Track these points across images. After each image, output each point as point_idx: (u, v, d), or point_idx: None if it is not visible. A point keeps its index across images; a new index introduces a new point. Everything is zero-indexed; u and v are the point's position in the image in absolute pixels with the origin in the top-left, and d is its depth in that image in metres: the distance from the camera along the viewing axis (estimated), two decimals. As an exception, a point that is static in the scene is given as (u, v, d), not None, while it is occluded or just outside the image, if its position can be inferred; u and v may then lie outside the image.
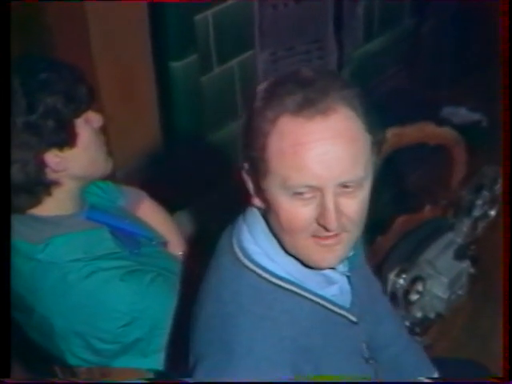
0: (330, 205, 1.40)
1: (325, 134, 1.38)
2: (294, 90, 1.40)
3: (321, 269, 1.54)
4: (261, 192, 1.48)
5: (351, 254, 1.63)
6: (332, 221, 1.40)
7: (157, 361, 1.96)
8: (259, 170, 1.45)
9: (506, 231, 1.84)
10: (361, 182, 1.43)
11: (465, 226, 2.49)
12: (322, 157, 1.38)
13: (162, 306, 1.90)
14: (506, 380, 1.73)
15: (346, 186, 1.41)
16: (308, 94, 1.38)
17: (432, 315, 2.42)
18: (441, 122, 2.93)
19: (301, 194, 1.41)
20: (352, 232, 1.48)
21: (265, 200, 1.48)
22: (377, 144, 1.48)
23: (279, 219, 1.46)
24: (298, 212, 1.43)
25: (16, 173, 1.81)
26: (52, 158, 1.84)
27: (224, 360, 1.47)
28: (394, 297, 2.32)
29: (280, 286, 1.54)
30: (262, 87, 1.46)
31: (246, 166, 1.50)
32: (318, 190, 1.40)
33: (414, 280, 2.35)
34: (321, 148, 1.38)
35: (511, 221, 1.82)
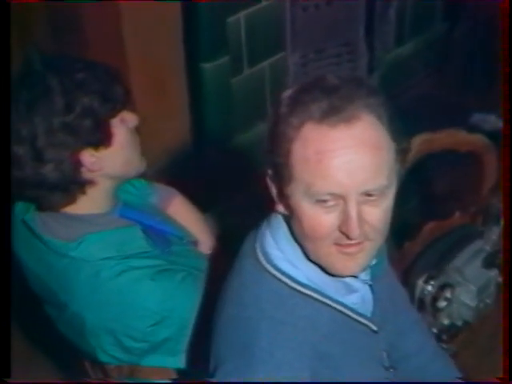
0: (353, 213, 1.40)
1: (349, 142, 1.38)
2: (319, 97, 1.40)
3: (343, 277, 1.55)
4: (284, 198, 1.48)
5: (374, 262, 1.63)
6: (354, 229, 1.40)
7: (184, 360, 1.97)
8: (283, 176, 1.45)
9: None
10: (384, 190, 1.43)
11: (494, 234, 2.48)
12: (345, 165, 1.38)
13: (191, 306, 1.90)
14: (506, 380, 1.76)
15: (369, 195, 1.41)
16: (333, 102, 1.39)
17: (459, 323, 2.41)
18: (470, 128, 2.91)
19: (324, 201, 1.41)
20: (375, 240, 1.48)
21: (288, 206, 1.49)
22: (401, 152, 1.48)
23: (302, 226, 1.47)
24: (320, 219, 1.43)
25: (51, 171, 1.83)
26: (88, 157, 1.86)
27: (244, 364, 1.48)
28: (421, 303, 2.31)
29: (301, 292, 1.54)
30: (287, 94, 1.46)
31: (269, 171, 1.51)
32: (340, 197, 1.40)
33: (443, 287, 2.34)
34: (344, 156, 1.38)
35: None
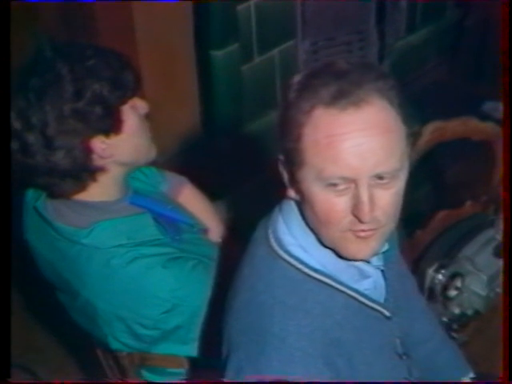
0: (365, 196, 1.40)
1: (358, 125, 1.38)
2: (329, 81, 1.40)
3: (355, 260, 1.54)
4: (296, 183, 1.48)
5: (386, 248, 1.63)
6: (366, 212, 1.40)
7: (195, 348, 1.97)
8: (294, 161, 1.45)
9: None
10: (396, 173, 1.42)
11: (505, 223, 2.49)
12: (356, 148, 1.38)
13: (202, 294, 1.91)
14: (506, 380, 1.72)
15: (380, 178, 1.41)
16: (342, 86, 1.38)
17: (470, 312, 2.41)
18: (482, 116, 2.91)
19: (335, 185, 1.41)
20: (386, 225, 1.48)
21: (299, 191, 1.48)
22: (412, 136, 1.49)
23: (314, 211, 1.46)
24: (332, 203, 1.43)
25: (62, 158, 1.83)
26: (98, 144, 1.86)
27: (257, 350, 1.48)
28: (431, 292, 2.32)
29: (314, 278, 1.54)
30: (296, 79, 1.46)
31: (281, 157, 1.51)
32: (352, 181, 1.40)
33: (453, 276, 2.35)
34: (355, 139, 1.38)
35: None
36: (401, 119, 1.44)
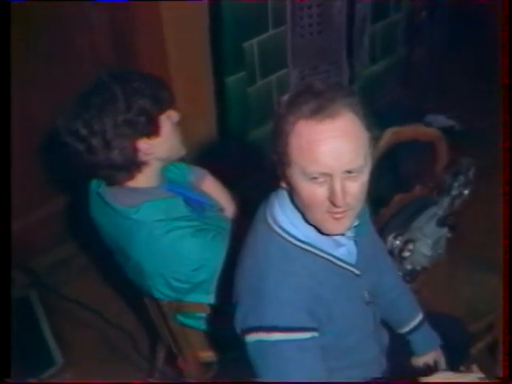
0: (338, 187, 1.40)
1: (333, 133, 1.38)
2: (309, 99, 1.39)
3: (332, 235, 1.54)
4: (286, 178, 1.48)
5: (358, 223, 1.62)
6: (339, 199, 1.40)
7: (215, 298, 1.97)
8: (284, 161, 1.45)
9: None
10: (361, 169, 1.42)
11: (445, 202, 2.48)
12: (331, 151, 1.38)
13: (221, 256, 1.90)
14: (506, 380, 1.58)
15: (350, 172, 1.40)
16: (319, 102, 1.38)
17: (419, 268, 2.41)
18: (425, 125, 2.93)
19: (316, 178, 1.41)
20: (355, 208, 1.48)
21: (289, 183, 1.48)
22: (375, 139, 1.48)
23: (300, 197, 1.46)
24: (313, 192, 1.43)
25: (117, 156, 1.85)
26: (143, 144, 1.87)
27: (257, 303, 1.48)
28: (391, 254, 2.31)
29: (301, 247, 1.54)
30: (284, 98, 1.45)
31: (274, 158, 1.49)
32: (328, 175, 1.40)
33: (407, 242, 2.34)
34: (330, 144, 1.38)
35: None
36: (364, 127, 1.43)
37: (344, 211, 1.45)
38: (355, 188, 1.43)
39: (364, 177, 1.45)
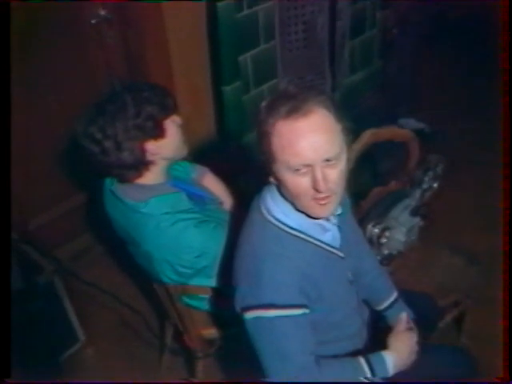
0: (319, 175, 1.40)
1: (309, 128, 1.38)
2: (285, 102, 1.39)
3: (319, 219, 1.54)
4: (273, 173, 1.47)
5: (340, 211, 1.62)
6: (321, 185, 1.40)
7: (216, 281, 1.96)
8: (270, 159, 1.44)
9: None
10: (338, 156, 1.42)
11: (417, 194, 2.47)
12: (309, 144, 1.38)
13: (221, 244, 1.89)
14: (506, 380, 1.52)
15: (328, 161, 1.40)
16: (294, 103, 1.38)
17: (395, 252, 2.40)
18: (399, 127, 2.91)
19: (298, 170, 1.41)
20: (337, 192, 1.47)
21: (276, 178, 1.48)
22: (345, 129, 1.46)
23: (287, 189, 1.46)
24: (298, 182, 1.43)
25: (127, 156, 1.84)
26: (150, 146, 1.86)
27: (254, 284, 1.48)
28: (370, 240, 2.31)
29: (292, 234, 1.53)
30: (264, 104, 1.45)
31: (261, 157, 1.49)
32: (309, 166, 1.40)
33: (384, 229, 2.34)
34: (308, 138, 1.38)
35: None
36: (337, 120, 1.43)
37: (327, 196, 1.45)
38: (335, 174, 1.43)
39: (342, 163, 1.45)
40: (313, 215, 1.51)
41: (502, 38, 2.03)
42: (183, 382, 2.32)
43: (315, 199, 1.45)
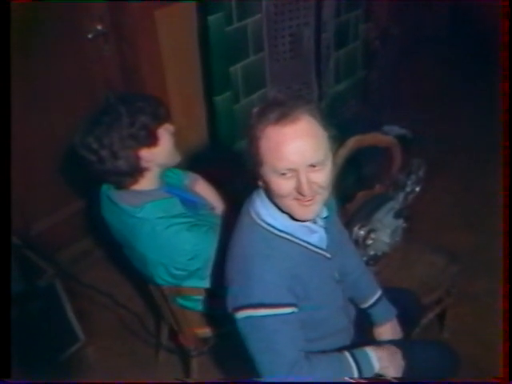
0: (303, 179, 1.40)
1: (295, 134, 1.38)
2: (274, 108, 1.39)
3: (303, 221, 1.53)
4: (261, 176, 1.47)
5: (327, 214, 1.62)
6: (305, 189, 1.40)
7: (208, 283, 1.95)
8: (257, 162, 1.44)
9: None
10: (323, 162, 1.42)
11: (400, 197, 2.46)
12: (295, 149, 1.38)
13: (213, 247, 1.88)
14: (506, 380, 1.45)
15: (313, 166, 1.40)
16: (282, 110, 1.38)
17: (380, 253, 2.39)
18: (382, 134, 2.91)
19: (284, 174, 1.41)
20: (322, 194, 1.46)
21: (263, 181, 1.47)
22: (331, 137, 1.46)
23: (273, 190, 1.45)
24: (284, 185, 1.42)
25: (123, 164, 1.83)
26: (144, 153, 1.85)
27: (245, 284, 1.47)
28: (356, 242, 2.29)
29: (280, 236, 1.53)
30: (255, 110, 1.45)
31: (250, 162, 1.49)
32: (295, 170, 1.40)
33: (369, 231, 2.32)
34: (294, 144, 1.37)
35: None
36: (323, 127, 1.43)
37: (311, 199, 1.44)
38: (319, 178, 1.43)
39: (326, 168, 1.44)
40: (296, 217, 1.50)
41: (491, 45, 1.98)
42: (178, 382, 2.30)
43: (297, 200, 1.45)
